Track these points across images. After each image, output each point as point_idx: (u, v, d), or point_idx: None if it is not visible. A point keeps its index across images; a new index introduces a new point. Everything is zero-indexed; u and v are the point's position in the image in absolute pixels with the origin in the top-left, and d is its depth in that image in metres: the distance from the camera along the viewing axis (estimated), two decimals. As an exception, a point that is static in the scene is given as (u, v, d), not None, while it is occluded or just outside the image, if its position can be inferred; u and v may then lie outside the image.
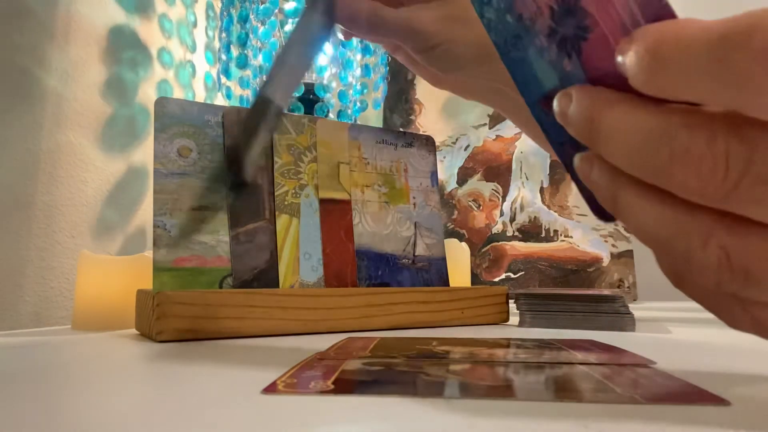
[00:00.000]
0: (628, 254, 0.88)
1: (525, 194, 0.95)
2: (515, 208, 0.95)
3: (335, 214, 0.46)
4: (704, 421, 0.16)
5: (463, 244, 0.69)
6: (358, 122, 0.77)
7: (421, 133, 0.56)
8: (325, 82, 0.74)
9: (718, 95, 0.13)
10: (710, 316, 0.19)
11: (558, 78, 0.17)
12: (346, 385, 0.21)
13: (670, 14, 0.15)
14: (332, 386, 0.21)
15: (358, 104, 0.76)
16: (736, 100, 0.13)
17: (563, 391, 0.21)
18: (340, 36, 0.43)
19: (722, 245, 0.15)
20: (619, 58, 0.15)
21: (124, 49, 0.69)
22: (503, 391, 0.21)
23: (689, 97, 0.14)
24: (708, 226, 0.15)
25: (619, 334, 0.40)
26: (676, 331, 0.41)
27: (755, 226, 0.14)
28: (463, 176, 0.99)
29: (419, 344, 0.32)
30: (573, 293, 0.46)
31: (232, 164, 0.39)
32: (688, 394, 0.20)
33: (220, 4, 0.76)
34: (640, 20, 0.15)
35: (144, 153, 0.71)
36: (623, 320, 0.43)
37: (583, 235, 0.91)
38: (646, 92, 0.15)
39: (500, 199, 0.96)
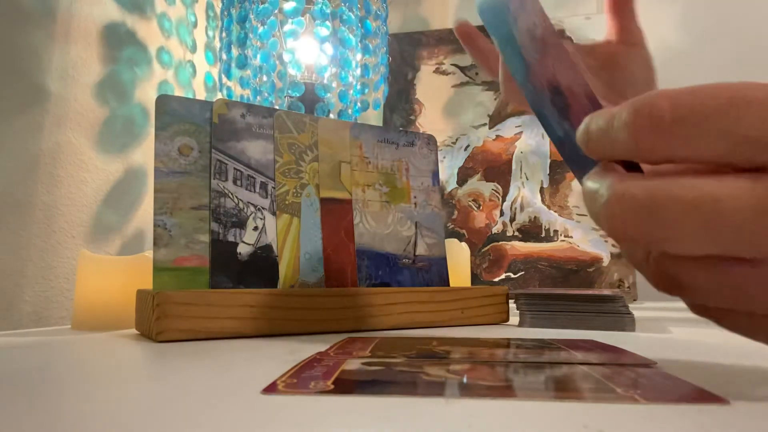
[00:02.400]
0: (628, 254, 0.88)
1: (525, 194, 0.95)
2: (515, 208, 0.95)
3: (336, 214, 0.46)
4: (704, 420, 0.16)
5: (463, 244, 0.69)
6: (359, 122, 0.77)
7: (422, 132, 0.56)
8: (325, 82, 0.74)
9: (618, 153, 0.18)
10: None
11: (563, 132, 0.23)
12: (345, 385, 0.21)
13: (593, 95, 0.22)
14: (332, 386, 0.21)
15: (359, 104, 0.76)
16: (628, 155, 0.18)
17: (563, 390, 0.21)
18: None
19: (656, 260, 0.19)
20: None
21: (124, 49, 0.69)
22: (503, 390, 0.21)
23: (608, 156, 0.19)
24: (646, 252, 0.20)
25: (619, 334, 0.39)
26: (676, 331, 0.41)
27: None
28: (463, 176, 0.99)
29: (419, 344, 0.32)
30: (573, 293, 0.46)
31: None
32: (687, 393, 0.20)
33: (220, 4, 0.76)
34: (587, 104, 0.22)
35: (144, 152, 0.71)
36: (623, 320, 0.43)
37: (583, 235, 0.91)
38: (588, 155, 0.20)
39: (500, 199, 0.96)
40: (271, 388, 0.21)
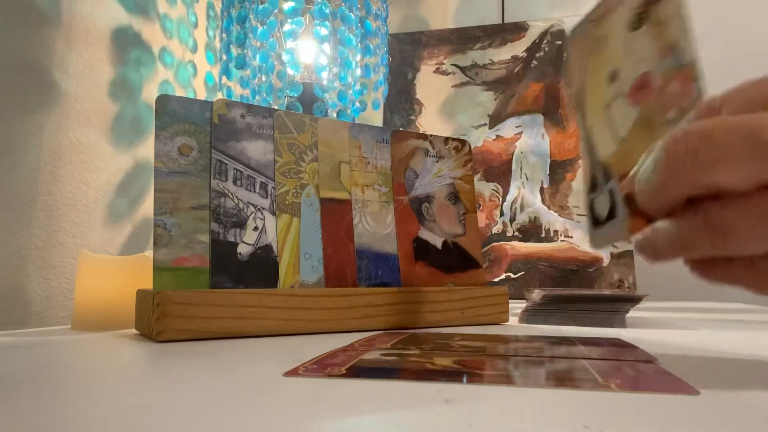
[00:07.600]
0: (628, 254, 0.88)
1: (525, 194, 0.95)
2: (515, 208, 0.95)
3: (336, 214, 0.46)
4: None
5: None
6: (358, 122, 0.77)
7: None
8: (324, 82, 0.74)
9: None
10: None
11: None
12: (356, 371, 0.23)
13: None
14: (344, 371, 0.23)
15: (357, 104, 0.75)
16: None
17: (546, 378, 0.22)
18: None
19: (703, 210, 0.20)
20: None
21: (128, 49, 0.69)
22: (490, 378, 0.22)
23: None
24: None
25: (626, 332, 0.39)
26: (675, 331, 0.41)
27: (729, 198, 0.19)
28: (464, 176, 0.99)
29: (442, 339, 0.34)
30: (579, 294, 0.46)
31: None
32: (663, 385, 0.21)
33: (220, 4, 0.76)
34: None
35: (146, 153, 0.71)
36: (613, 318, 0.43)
37: (583, 235, 0.91)
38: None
39: (500, 199, 0.96)
40: (293, 372, 0.23)
